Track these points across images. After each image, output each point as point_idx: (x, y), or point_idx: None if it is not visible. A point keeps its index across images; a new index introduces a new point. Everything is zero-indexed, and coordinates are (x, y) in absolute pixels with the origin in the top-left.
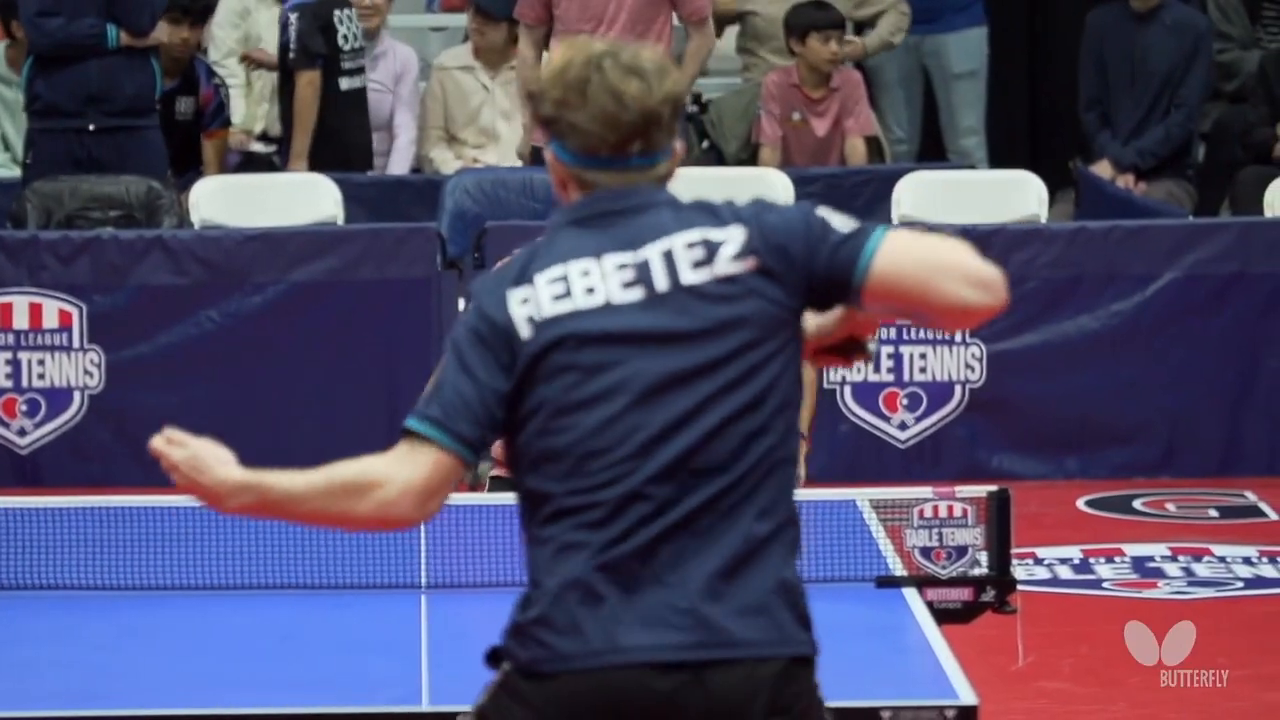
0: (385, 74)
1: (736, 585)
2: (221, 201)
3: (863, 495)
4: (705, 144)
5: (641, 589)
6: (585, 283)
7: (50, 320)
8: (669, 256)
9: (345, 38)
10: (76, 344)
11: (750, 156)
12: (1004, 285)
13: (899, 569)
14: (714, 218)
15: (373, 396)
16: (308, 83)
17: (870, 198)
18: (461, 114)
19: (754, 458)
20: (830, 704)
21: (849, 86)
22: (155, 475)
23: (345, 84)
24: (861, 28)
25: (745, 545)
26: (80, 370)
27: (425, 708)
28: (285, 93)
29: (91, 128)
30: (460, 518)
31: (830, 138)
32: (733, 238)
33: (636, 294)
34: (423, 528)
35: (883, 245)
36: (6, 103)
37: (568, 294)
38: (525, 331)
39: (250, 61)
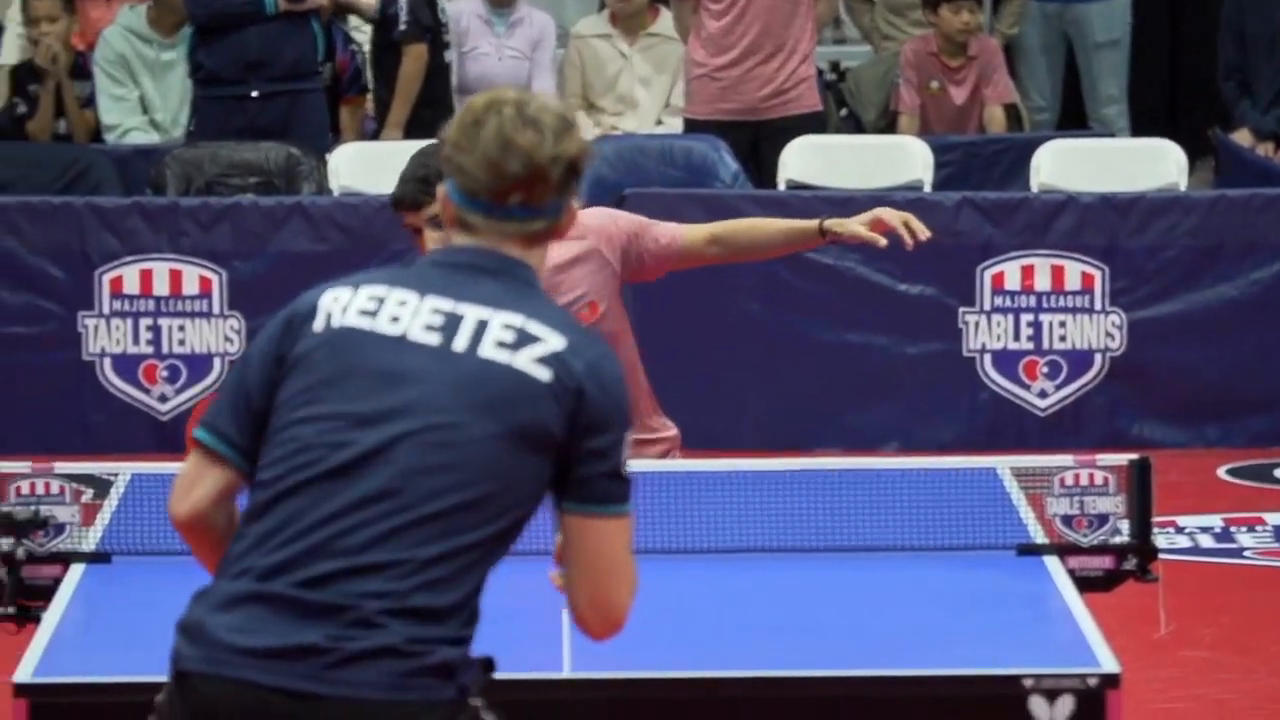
0: (522, 41)
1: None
2: (360, 168)
3: (1003, 463)
4: (844, 112)
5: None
6: (395, 311)
7: (191, 287)
8: (482, 325)
9: (443, 10)
10: (217, 310)
11: (888, 124)
12: (612, 628)
13: (1040, 537)
14: (546, 320)
15: None
16: (416, 56)
17: (1008, 166)
18: (599, 81)
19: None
20: (972, 671)
21: (986, 55)
22: None
23: (446, 57)
24: (999, 3)
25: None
26: (220, 336)
27: (566, 674)
28: (383, 61)
29: (254, 94)
30: None
31: (968, 106)
32: (553, 343)
33: (433, 340)
34: None
35: (606, 521)
36: (148, 63)
37: (374, 314)
38: (318, 324)
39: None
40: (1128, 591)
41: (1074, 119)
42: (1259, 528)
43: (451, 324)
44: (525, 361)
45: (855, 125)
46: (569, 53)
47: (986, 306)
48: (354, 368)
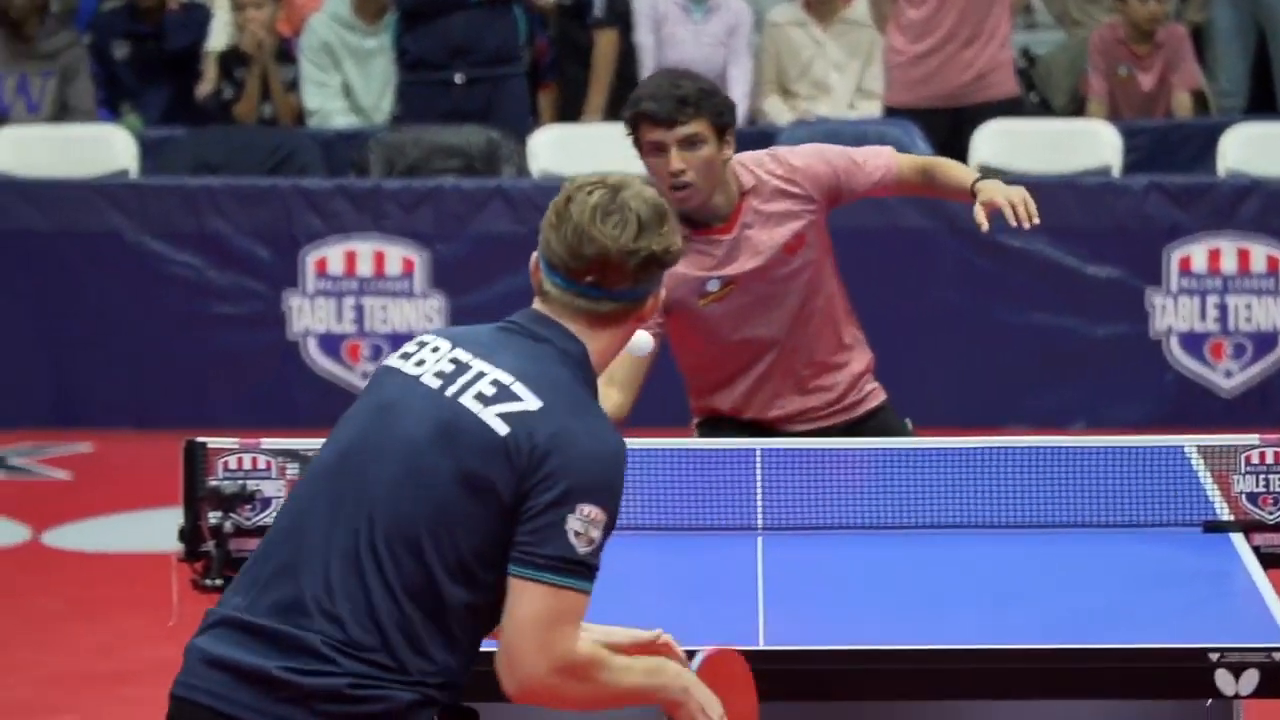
0: (719, 27)
1: None
2: (559, 151)
3: (1190, 442)
4: (1034, 97)
5: None
6: (423, 355)
7: (394, 267)
8: (477, 377)
9: None
10: (419, 290)
11: (1077, 109)
12: (518, 688)
13: (1226, 514)
14: (538, 386)
15: None
16: (611, 41)
17: (1196, 150)
18: (794, 67)
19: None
20: (1159, 645)
21: (1174, 42)
22: None
23: (634, 39)
24: None
25: None
26: (422, 316)
27: (761, 647)
28: (568, 46)
29: (457, 79)
30: (795, 461)
31: (1156, 92)
32: (528, 404)
33: (436, 384)
34: (759, 472)
35: (529, 586)
36: (352, 50)
37: (409, 356)
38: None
39: None
40: None
41: (1263, 104)
42: None
43: (457, 373)
44: (490, 415)
45: (1045, 110)
46: (764, 39)
47: (1173, 288)
48: (368, 404)
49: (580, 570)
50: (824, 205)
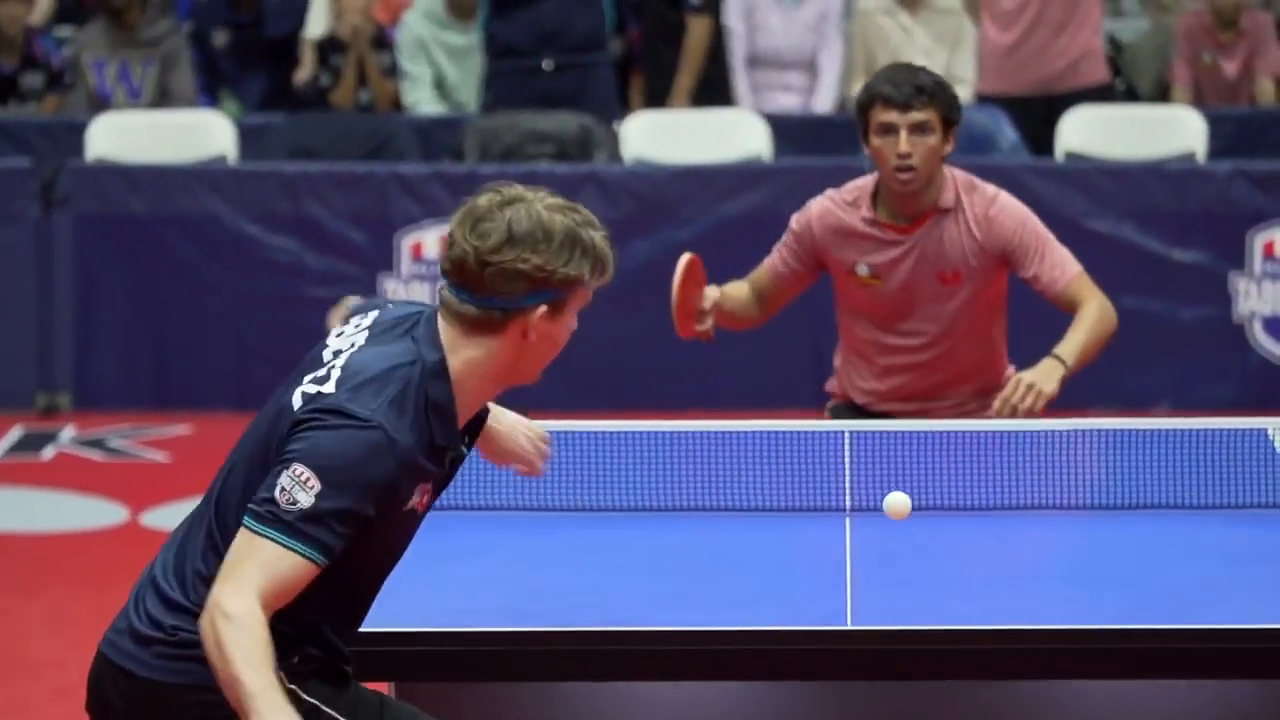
0: (810, 14)
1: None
2: (652, 137)
3: (1274, 424)
4: (1120, 83)
5: None
6: (347, 329)
7: None
8: (334, 356)
9: None
10: None
11: (1163, 95)
12: (209, 619)
13: None
14: (345, 380)
15: (795, 328)
16: (705, 27)
17: (1278, 137)
18: (883, 54)
19: None
20: (1244, 626)
21: (1258, 29)
22: (587, 401)
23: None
24: None
25: None
26: None
27: (850, 626)
28: (655, 31)
29: (546, 65)
30: (880, 443)
31: (1240, 78)
32: (323, 390)
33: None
34: (847, 452)
35: (243, 534)
36: (446, 46)
37: (341, 333)
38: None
39: None
40: None
41: None
42: None
43: (335, 355)
44: (299, 388)
45: (1131, 96)
46: (854, 26)
47: (1257, 273)
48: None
49: (275, 522)
50: (991, 263)
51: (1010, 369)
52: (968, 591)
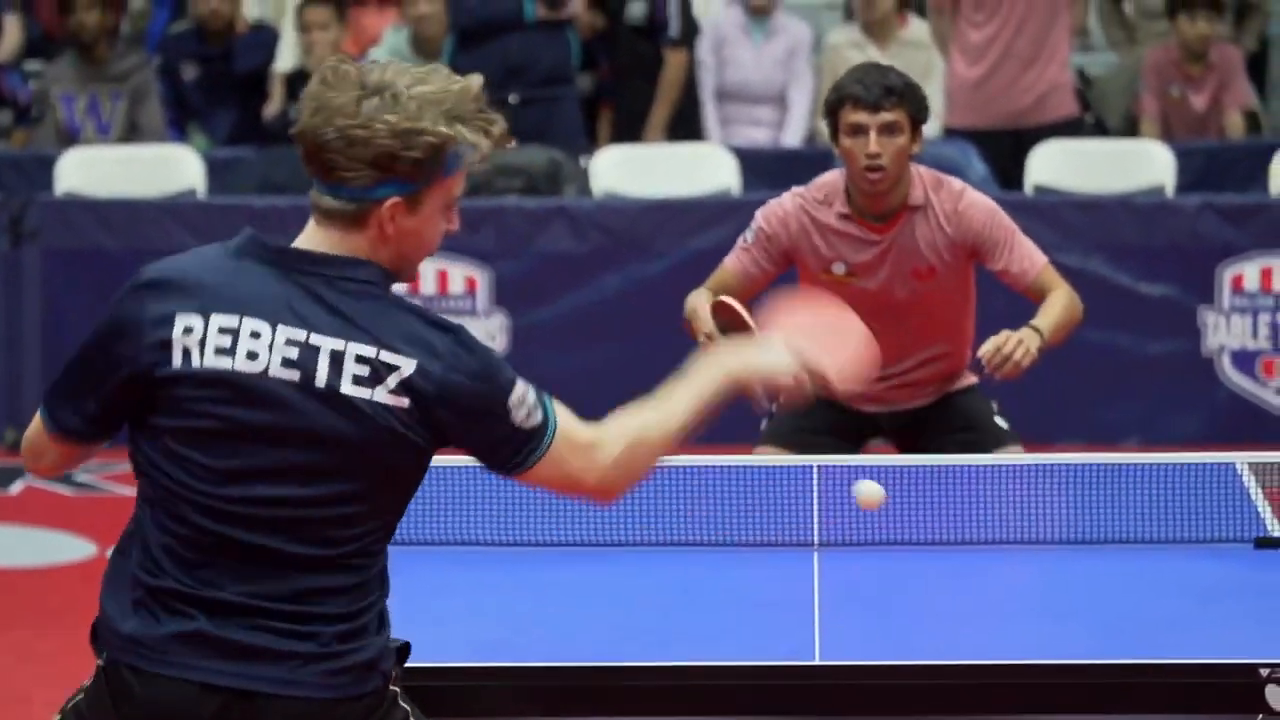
0: (779, 49)
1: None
2: (621, 171)
3: (1242, 458)
4: (1089, 117)
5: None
6: (250, 346)
7: (457, 285)
8: (337, 360)
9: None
10: (481, 309)
11: (1132, 129)
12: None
13: (1277, 530)
14: (398, 337)
15: None
16: (681, 61)
17: (1249, 170)
18: None
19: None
20: (1210, 660)
21: (1226, 62)
22: None
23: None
24: (1243, 15)
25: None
26: (485, 334)
27: (818, 661)
28: (627, 64)
29: (512, 99)
30: (849, 477)
31: (1209, 112)
32: (404, 368)
33: (293, 376)
34: (816, 487)
35: (543, 459)
36: None
37: (231, 352)
38: (176, 359)
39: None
40: None
41: None
42: None
43: (308, 358)
44: (383, 394)
45: (1099, 130)
46: (823, 60)
47: (1225, 307)
48: (226, 421)
49: (542, 420)
50: (962, 256)
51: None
52: (936, 626)
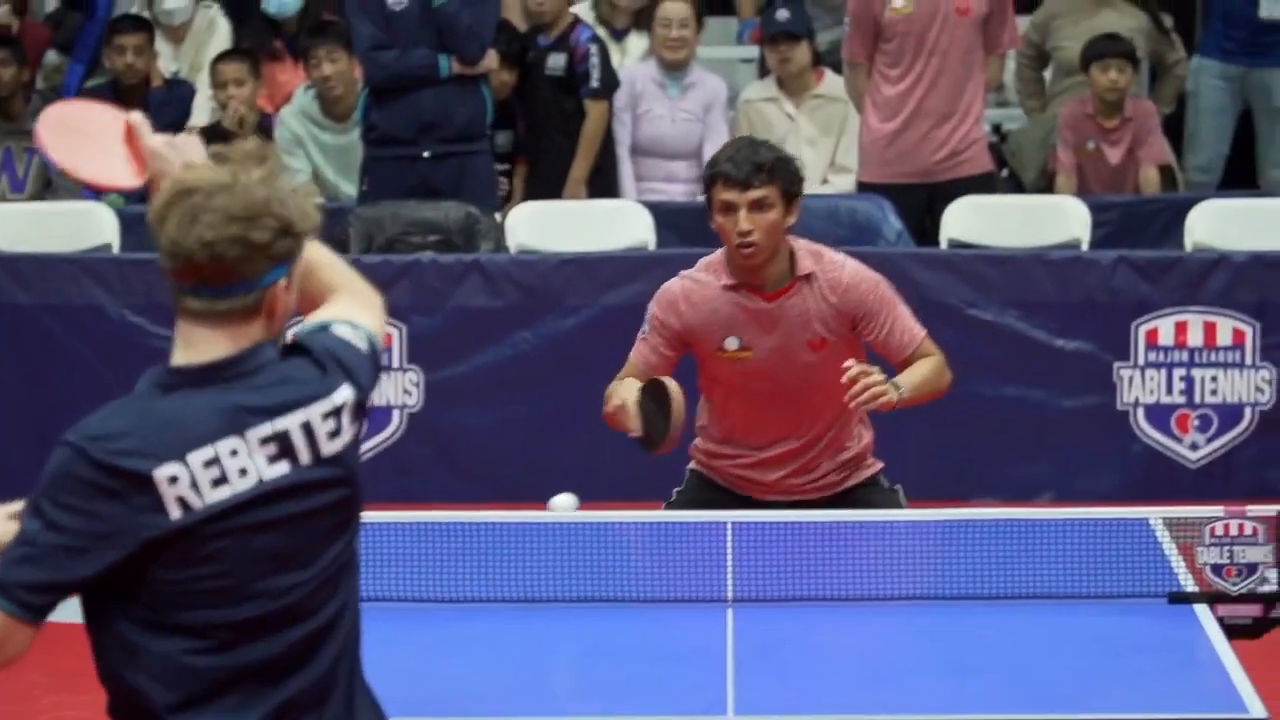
0: (694, 104)
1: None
2: (536, 227)
3: (1155, 514)
4: (1005, 172)
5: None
6: (237, 464)
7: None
8: (308, 430)
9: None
10: (396, 364)
11: (1048, 185)
12: None
13: (1190, 585)
14: (321, 378)
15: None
16: (602, 113)
17: (1164, 225)
18: None
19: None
20: (1124, 715)
21: (1142, 117)
22: (472, 491)
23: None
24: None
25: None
26: (400, 389)
27: (731, 717)
28: (537, 112)
29: (425, 154)
30: (765, 533)
31: (1124, 166)
32: (348, 396)
33: (283, 469)
34: (730, 543)
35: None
36: (322, 145)
37: (226, 480)
38: (174, 513)
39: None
40: (1276, 638)
41: (1240, 180)
42: None
43: (285, 444)
44: (349, 432)
45: (1016, 186)
46: (738, 116)
47: (1140, 362)
48: (249, 552)
49: None
50: (846, 327)
51: (868, 434)
52: (850, 682)
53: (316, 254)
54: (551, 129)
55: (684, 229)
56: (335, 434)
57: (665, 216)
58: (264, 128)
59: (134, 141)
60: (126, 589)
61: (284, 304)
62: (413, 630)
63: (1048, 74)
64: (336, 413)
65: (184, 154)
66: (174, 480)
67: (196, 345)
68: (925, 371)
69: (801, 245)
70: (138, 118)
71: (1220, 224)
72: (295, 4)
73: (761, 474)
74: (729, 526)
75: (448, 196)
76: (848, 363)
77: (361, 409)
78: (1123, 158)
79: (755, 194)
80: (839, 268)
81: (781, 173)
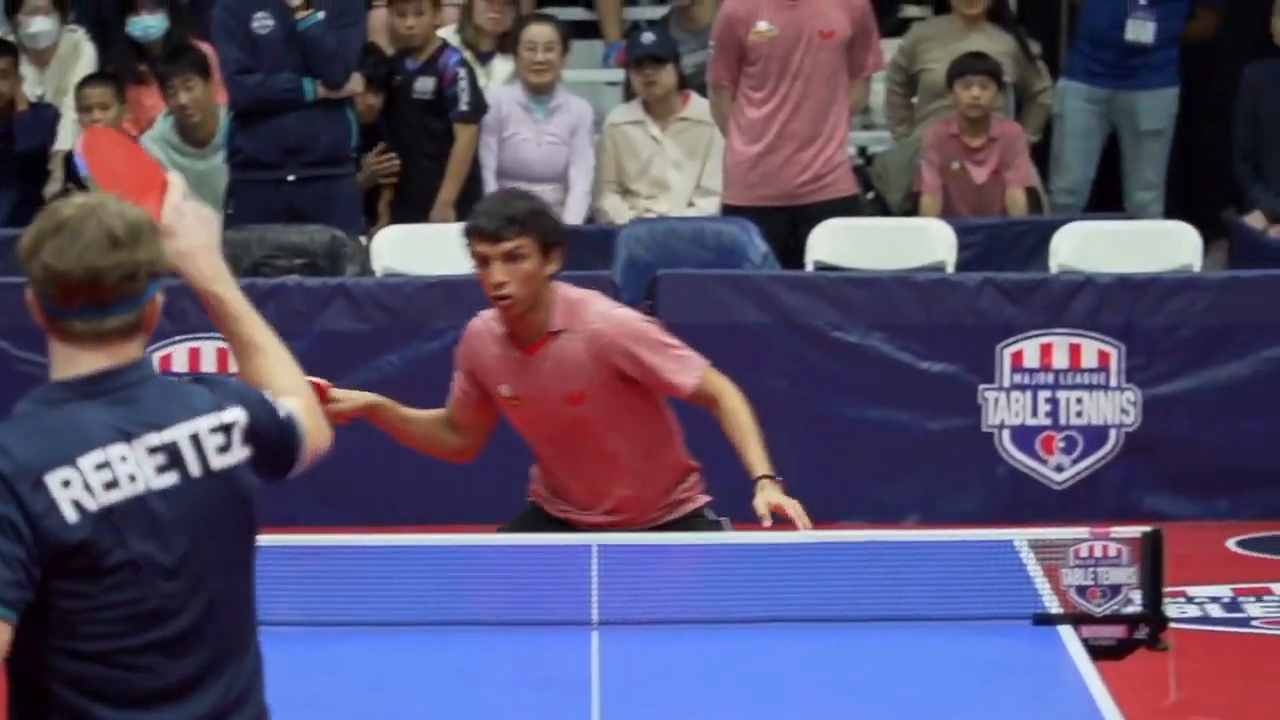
0: (560, 127)
1: None
2: (402, 250)
3: (1020, 536)
4: (871, 195)
5: None
6: (125, 469)
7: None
8: (196, 442)
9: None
10: None
11: (913, 207)
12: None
13: (1055, 607)
14: (211, 399)
15: None
16: (471, 136)
17: (1030, 247)
18: (633, 166)
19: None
20: None
21: (1008, 138)
22: (336, 514)
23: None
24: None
25: None
26: None
27: None
28: (404, 135)
29: (290, 178)
30: (631, 556)
31: (989, 186)
32: (240, 419)
33: (172, 479)
34: (595, 566)
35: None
36: (184, 170)
37: (117, 484)
38: (69, 515)
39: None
40: (1139, 659)
41: (1104, 202)
42: (1267, 598)
43: (174, 455)
44: (239, 450)
45: (882, 209)
46: (604, 139)
47: (1006, 384)
48: (138, 548)
49: None
50: (610, 375)
51: (692, 476)
52: (717, 705)
53: (240, 305)
54: (418, 152)
55: None
56: (224, 449)
57: None
58: None
59: (160, 193)
60: (39, 618)
61: (158, 317)
62: (274, 655)
63: (916, 100)
64: (226, 429)
65: (199, 227)
66: (67, 484)
67: (79, 364)
68: (744, 428)
69: (563, 298)
70: (177, 179)
71: (1086, 246)
72: (160, 27)
73: (580, 515)
74: (594, 549)
75: (313, 220)
76: (761, 512)
77: (256, 436)
78: (988, 177)
79: (507, 245)
80: (600, 318)
81: (535, 224)
